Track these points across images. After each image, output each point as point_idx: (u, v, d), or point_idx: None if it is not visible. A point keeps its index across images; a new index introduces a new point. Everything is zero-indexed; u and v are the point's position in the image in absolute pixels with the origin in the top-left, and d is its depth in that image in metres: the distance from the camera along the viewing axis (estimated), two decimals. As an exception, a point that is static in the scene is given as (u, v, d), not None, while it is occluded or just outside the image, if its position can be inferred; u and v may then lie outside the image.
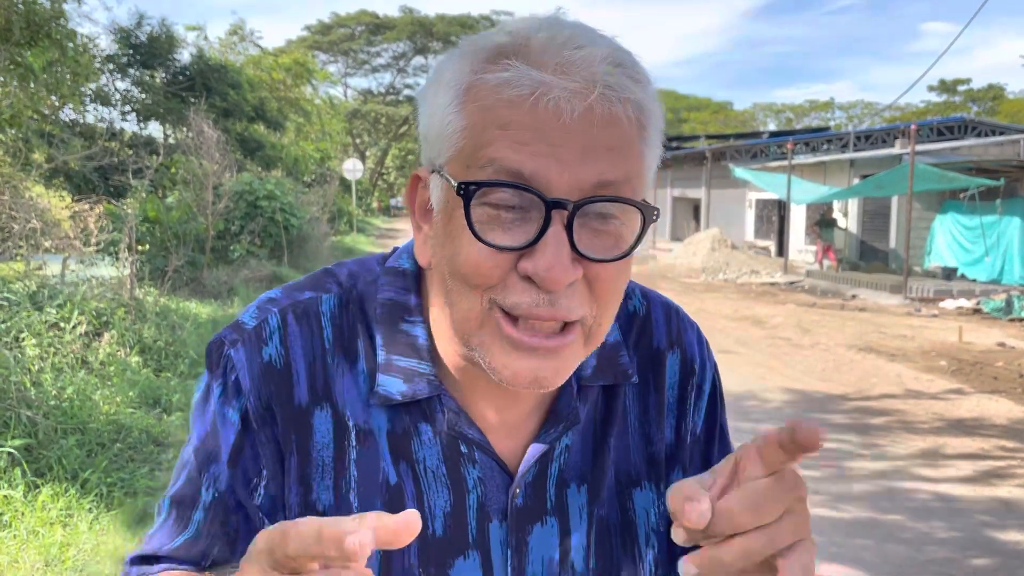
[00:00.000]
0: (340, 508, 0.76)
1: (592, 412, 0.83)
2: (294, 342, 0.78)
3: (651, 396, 0.86)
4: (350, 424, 0.77)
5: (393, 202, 57.12)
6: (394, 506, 0.76)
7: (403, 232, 33.96)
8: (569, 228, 0.66)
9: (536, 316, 0.68)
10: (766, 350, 10.18)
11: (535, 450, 0.79)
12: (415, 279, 0.81)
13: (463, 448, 0.78)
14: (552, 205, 0.66)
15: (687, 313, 0.93)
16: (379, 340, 0.78)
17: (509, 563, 0.79)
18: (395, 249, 0.86)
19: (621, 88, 0.67)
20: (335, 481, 0.77)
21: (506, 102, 0.66)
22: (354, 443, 0.77)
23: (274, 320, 0.79)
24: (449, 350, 0.77)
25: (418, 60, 54.72)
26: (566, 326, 0.70)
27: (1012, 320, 13.17)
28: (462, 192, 0.67)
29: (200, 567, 0.82)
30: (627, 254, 0.70)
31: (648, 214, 0.71)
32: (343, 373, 0.78)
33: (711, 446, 0.91)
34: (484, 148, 0.67)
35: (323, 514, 0.75)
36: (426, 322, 0.79)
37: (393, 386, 0.77)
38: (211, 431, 0.79)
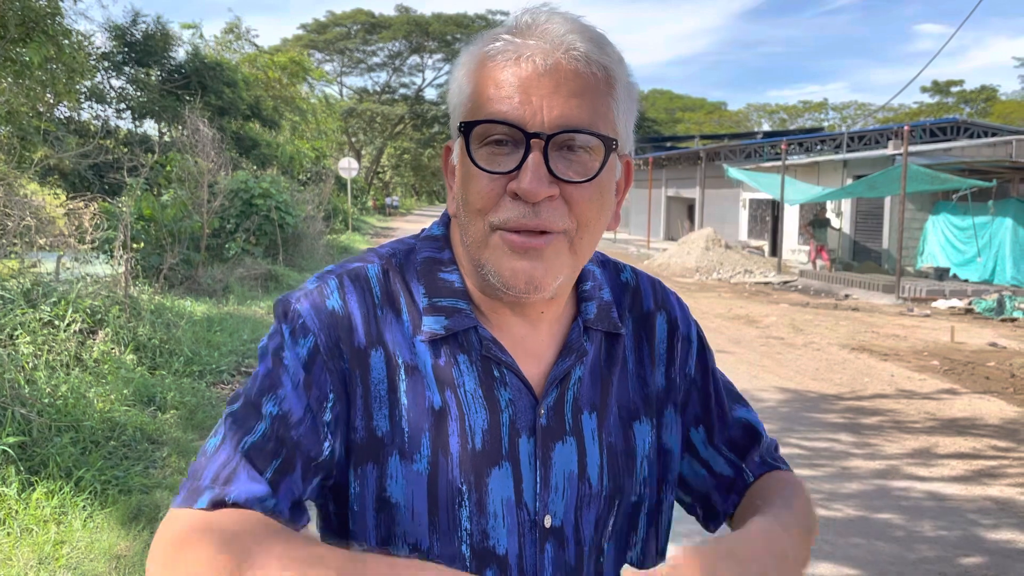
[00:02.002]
0: (395, 432, 0.90)
1: (597, 353, 1.00)
2: (350, 297, 0.93)
3: (644, 348, 1.04)
4: (399, 362, 0.92)
5: (389, 201, 57.00)
6: (438, 427, 0.91)
7: (399, 231, 33.91)
8: (545, 156, 0.84)
9: (523, 226, 0.86)
10: (759, 349, 10.22)
11: (555, 373, 0.95)
12: (446, 240, 0.99)
13: (496, 372, 0.93)
14: (530, 136, 0.84)
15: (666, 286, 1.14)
16: (422, 289, 0.95)
17: (537, 473, 0.93)
18: (423, 230, 1.04)
19: (584, 50, 0.86)
20: (390, 411, 0.91)
21: (498, 66, 0.86)
22: (403, 377, 0.92)
23: (333, 281, 0.94)
24: (479, 288, 0.95)
25: (414, 59, 54.66)
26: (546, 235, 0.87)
27: (1004, 320, 13.23)
28: (462, 129, 0.87)
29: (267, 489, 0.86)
30: (592, 178, 0.87)
31: (608, 144, 0.87)
32: (390, 322, 0.93)
33: (707, 384, 1.10)
34: (482, 104, 0.86)
35: (380, 439, 0.90)
36: (459, 271, 0.97)
37: (437, 323, 0.93)
38: (276, 365, 0.91)
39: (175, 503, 0.86)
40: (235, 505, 0.83)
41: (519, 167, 0.84)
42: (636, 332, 1.04)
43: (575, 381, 0.97)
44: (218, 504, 0.83)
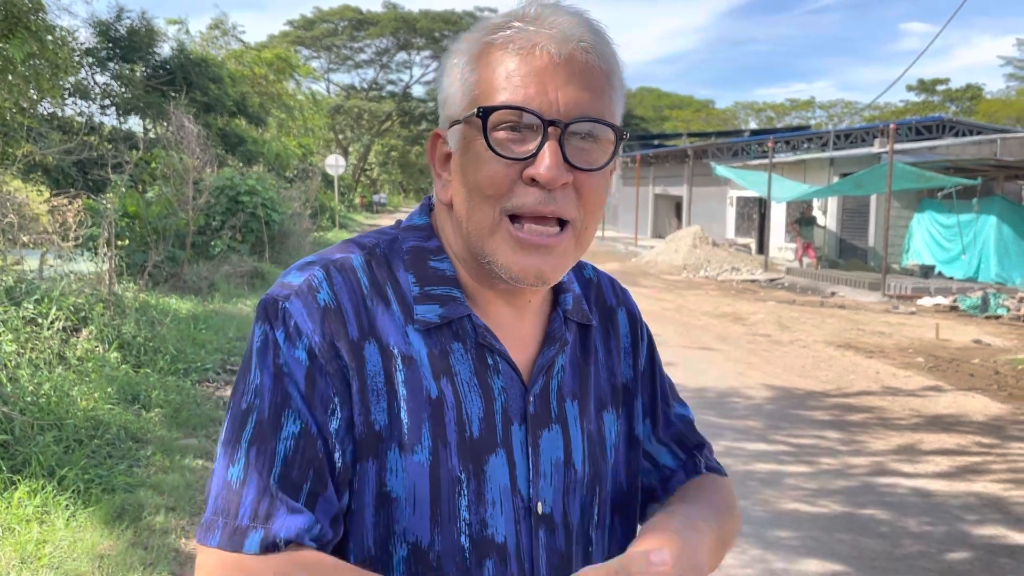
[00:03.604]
0: (393, 425, 0.89)
1: (574, 343, 1.03)
2: (340, 289, 0.91)
3: (611, 340, 1.08)
4: (395, 352, 0.91)
5: (376, 198, 56.85)
6: (436, 416, 0.90)
7: (385, 228, 33.75)
8: (561, 144, 0.86)
9: (538, 212, 0.87)
10: (746, 347, 10.25)
11: (542, 361, 0.97)
12: (431, 228, 0.99)
13: (490, 360, 0.94)
14: (548, 123, 0.85)
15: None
16: (411, 279, 0.94)
17: (529, 460, 0.94)
18: (399, 220, 1.03)
19: (594, 44, 0.88)
20: (388, 403, 0.89)
21: (511, 54, 0.87)
22: (400, 367, 0.90)
23: (320, 274, 0.91)
24: (469, 276, 0.95)
25: (401, 56, 54.56)
26: (562, 227, 0.89)
27: (988, 318, 13.32)
28: (480, 114, 0.87)
29: (301, 502, 0.86)
30: (604, 166, 0.90)
31: (619, 133, 0.90)
32: (380, 313, 0.92)
33: (655, 378, 1.13)
34: (496, 91, 0.87)
35: (379, 433, 0.89)
36: (449, 259, 0.96)
37: (431, 312, 0.93)
38: (279, 374, 0.87)
39: (211, 542, 0.84)
40: (287, 544, 0.83)
41: (536, 153, 0.85)
42: (603, 325, 1.08)
43: (559, 370, 0.99)
44: (270, 547, 0.82)
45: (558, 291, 1.02)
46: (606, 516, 1.03)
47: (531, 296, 0.98)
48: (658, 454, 1.12)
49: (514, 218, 0.88)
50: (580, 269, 1.12)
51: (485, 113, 0.86)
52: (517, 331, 0.97)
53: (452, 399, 0.91)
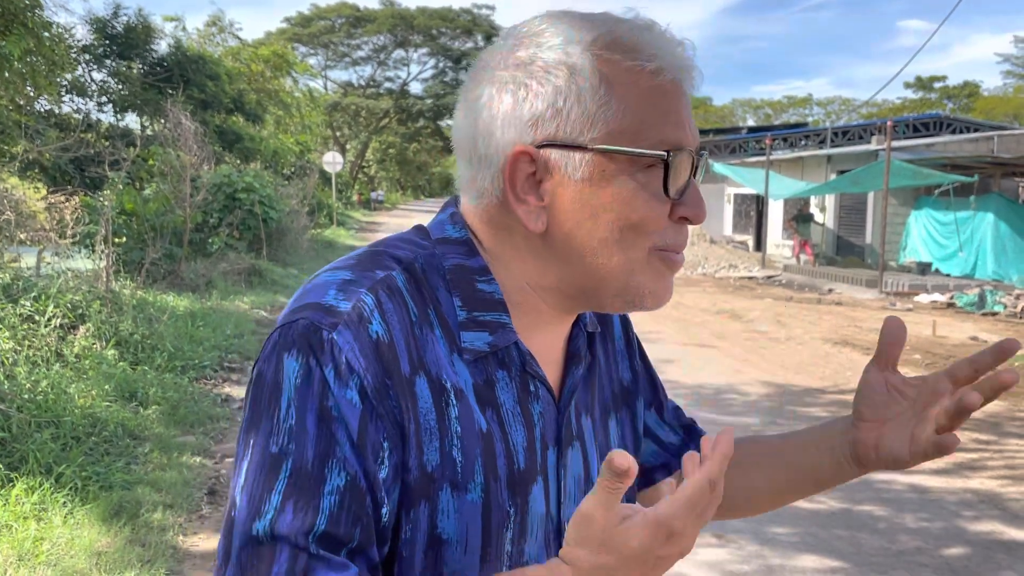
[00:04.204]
0: (444, 464, 0.82)
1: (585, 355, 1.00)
2: (391, 318, 0.81)
3: (608, 344, 1.06)
4: (447, 385, 0.83)
5: (373, 195, 56.78)
6: (488, 451, 0.84)
7: (384, 225, 33.80)
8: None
9: (681, 248, 0.87)
10: (744, 344, 10.26)
11: (572, 383, 0.94)
12: (470, 245, 0.89)
13: (531, 387, 0.89)
14: (696, 160, 0.85)
15: None
16: (457, 302, 0.86)
17: (560, 482, 0.91)
18: (421, 226, 0.93)
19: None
20: (440, 442, 0.82)
21: (659, 90, 0.82)
22: (454, 402, 0.83)
23: (370, 299, 0.81)
24: (544, 301, 0.89)
25: (399, 53, 54.45)
26: None
27: (985, 314, 13.35)
28: (667, 158, 0.82)
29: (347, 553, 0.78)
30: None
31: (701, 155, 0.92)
32: (429, 342, 0.83)
33: (648, 368, 1.14)
34: (651, 128, 0.82)
35: (431, 474, 0.81)
36: (496, 280, 0.88)
37: (480, 339, 0.85)
38: (327, 418, 0.77)
39: None
40: None
41: (684, 191, 0.84)
42: (601, 331, 1.05)
43: (576, 387, 0.96)
44: None
45: None
46: None
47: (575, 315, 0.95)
48: (665, 436, 1.14)
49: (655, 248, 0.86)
50: None
51: (672, 159, 0.82)
52: (550, 351, 0.93)
53: (499, 430, 0.85)
